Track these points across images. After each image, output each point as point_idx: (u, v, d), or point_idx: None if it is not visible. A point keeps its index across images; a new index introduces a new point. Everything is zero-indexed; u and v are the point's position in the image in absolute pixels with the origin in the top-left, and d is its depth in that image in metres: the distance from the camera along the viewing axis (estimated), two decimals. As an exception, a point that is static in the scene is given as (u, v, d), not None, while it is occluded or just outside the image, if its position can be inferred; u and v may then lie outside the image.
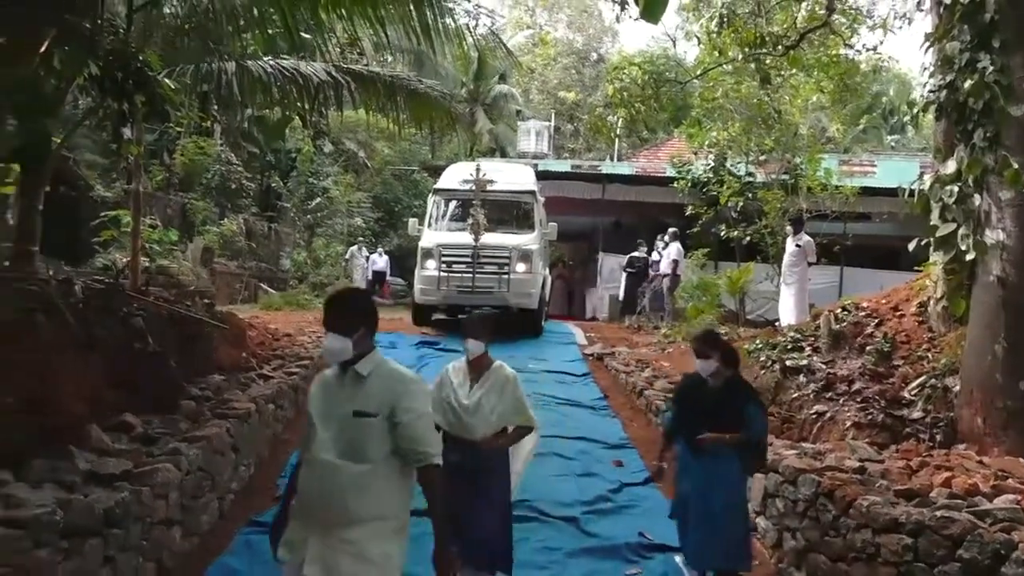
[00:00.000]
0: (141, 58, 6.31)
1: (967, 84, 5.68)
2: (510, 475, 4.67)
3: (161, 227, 14.85)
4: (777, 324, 12.07)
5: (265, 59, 9.71)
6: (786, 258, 12.58)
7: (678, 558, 5.45)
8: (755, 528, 5.56)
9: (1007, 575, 3.69)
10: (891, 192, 16.77)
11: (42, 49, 5.80)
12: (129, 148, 7.98)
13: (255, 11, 8.90)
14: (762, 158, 16.42)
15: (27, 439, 4.47)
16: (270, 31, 9.66)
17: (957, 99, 5.82)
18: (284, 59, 9.82)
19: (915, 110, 6.32)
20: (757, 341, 8.92)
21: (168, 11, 8.40)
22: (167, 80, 6.96)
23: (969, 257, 5.80)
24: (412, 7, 8.69)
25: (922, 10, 6.79)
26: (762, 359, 8.25)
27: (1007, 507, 4.18)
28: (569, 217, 18.11)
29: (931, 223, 6.29)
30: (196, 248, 16.08)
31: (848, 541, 4.46)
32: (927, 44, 6.28)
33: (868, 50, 13.70)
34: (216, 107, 15.52)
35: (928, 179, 6.25)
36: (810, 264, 12.61)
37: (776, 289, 14.23)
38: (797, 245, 12.27)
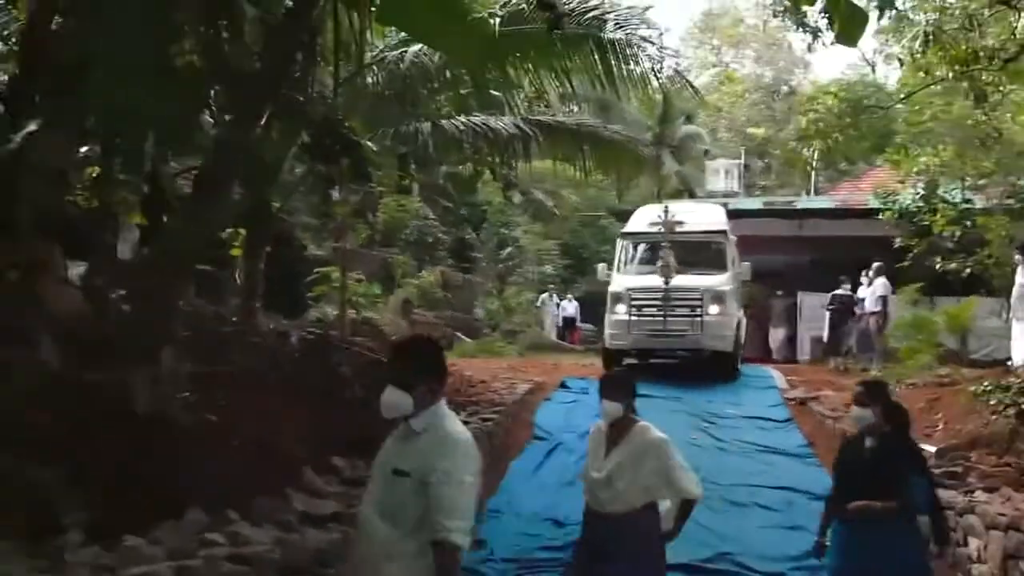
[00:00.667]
0: (347, 125, 6.82)
1: None
2: (661, 557, 4.15)
3: (365, 281, 15.90)
4: (1009, 364, 10.87)
5: (458, 118, 10.25)
6: (1016, 290, 11.35)
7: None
8: None
9: None
10: None
11: (262, 122, 6.42)
12: (336, 208, 8.60)
13: (447, 73, 9.44)
14: (981, 182, 15.05)
15: (252, 480, 4.86)
16: (461, 91, 10.22)
17: None
18: (475, 116, 10.31)
19: None
20: (986, 383, 8.07)
21: (370, 80, 9.06)
22: (369, 143, 7.47)
23: None
24: (596, 56, 8.88)
25: None
26: (992, 403, 7.45)
27: None
28: (763, 256, 17.45)
29: None
30: (397, 300, 17.03)
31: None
32: None
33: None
34: (414, 166, 16.52)
35: None
36: None
37: (1006, 325, 12.87)
38: None
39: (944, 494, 5.97)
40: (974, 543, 5.41)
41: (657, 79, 9.02)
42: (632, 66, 9.12)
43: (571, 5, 8.89)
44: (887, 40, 15.14)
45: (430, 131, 9.97)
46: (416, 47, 9.04)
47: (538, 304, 21.00)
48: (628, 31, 9.03)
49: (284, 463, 5.18)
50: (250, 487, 4.79)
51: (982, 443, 7.03)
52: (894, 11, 12.89)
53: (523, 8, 8.51)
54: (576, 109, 17.96)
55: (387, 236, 19.75)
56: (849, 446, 4.72)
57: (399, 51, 9.25)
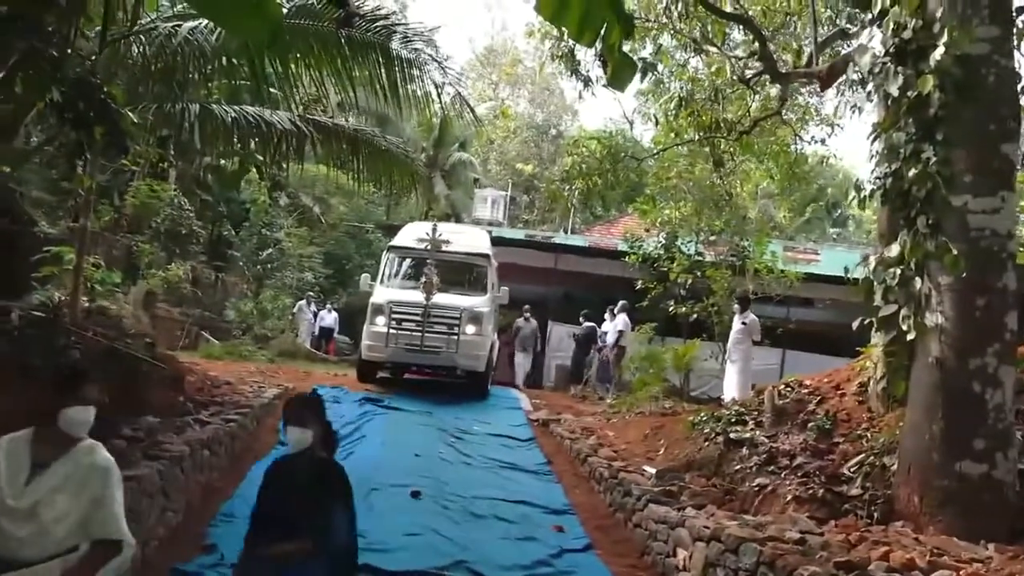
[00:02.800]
0: (106, 90, 6.24)
1: (911, 173, 5.94)
2: None
3: (104, 267, 14.53)
4: (721, 400, 12.22)
5: (230, 106, 9.73)
6: (732, 335, 12.81)
7: (616, 626, 5.38)
8: None
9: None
10: (834, 280, 17.42)
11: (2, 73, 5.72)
12: (82, 180, 7.83)
13: (223, 59, 8.96)
14: (712, 238, 16.84)
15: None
16: (236, 80, 9.75)
17: (901, 187, 6.07)
18: (248, 107, 9.85)
19: (861, 194, 6.55)
20: (702, 414, 8.99)
21: (136, 50, 8.37)
22: (130, 115, 6.89)
23: (910, 337, 5.96)
24: (382, 67, 8.88)
25: (871, 101, 7.12)
26: (706, 431, 8.30)
27: (944, 582, 4.22)
28: (521, 286, 18.27)
29: (874, 304, 6.47)
30: (139, 291, 15.74)
31: (789, 612, 4.43)
32: (874, 134, 6.56)
33: (816, 141, 14.28)
34: (173, 152, 15.42)
35: (873, 260, 6.46)
36: (755, 343, 12.87)
37: (720, 367, 14.46)
38: (743, 323, 12.53)
39: (659, 510, 6.61)
40: (681, 554, 5.97)
41: (439, 100, 9.15)
42: (415, 84, 9.25)
43: (361, 10, 8.86)
44: (646, 101, 16.48)
45: (197, 114, 9.38)
46: (191, 23, 8.53)
47: (295, 311, 20.34)
48: (415, 48, 9.13)
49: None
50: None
51: (695, 466, 7.81)
52: (653, 75, 14.25)
53: (312, 2, 8.36)
54: (353, 120, 17.85)
55: (135, 222, 18.22)
56: (278, 471, 4.22)
57: (171, 24, 8.66)
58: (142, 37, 8.40)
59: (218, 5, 5.09)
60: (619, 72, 5.05)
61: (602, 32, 4.69)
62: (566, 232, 28.08)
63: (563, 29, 5.39)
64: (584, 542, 6.91)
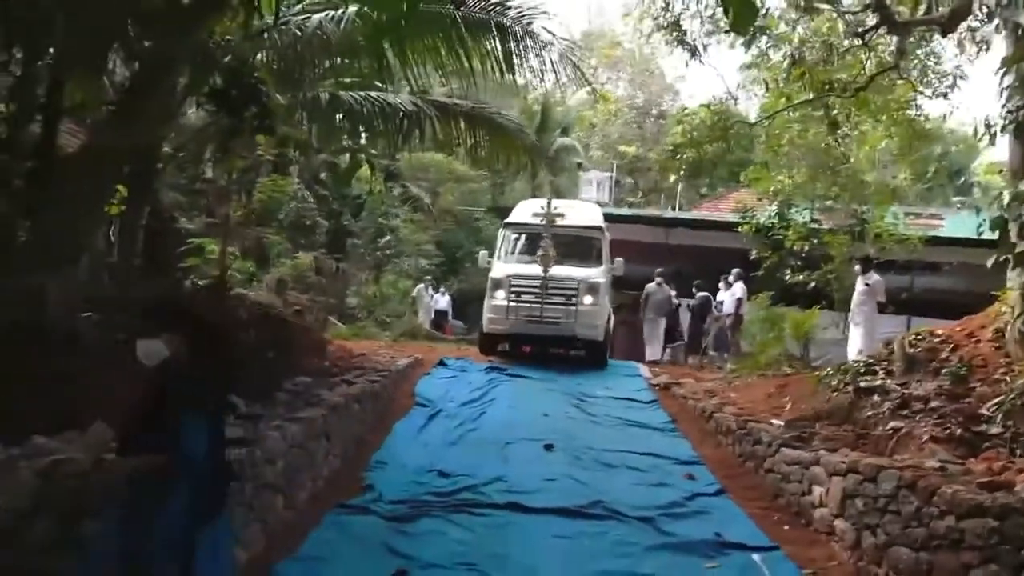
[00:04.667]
0: (256, 75, 6.83)
1: (1045, 103, 5.85)
2: None
3: (240, 257, 15.54)
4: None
5: (356, 92, 10.30)
6: (855, 297, 12.59)
7: (756, 556, 5.56)
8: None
9: (1096, 554, 3.75)
10: (961, 242, 16.82)
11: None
12: (234, 162, 8.51)
13: (349, 46, 9.50)
14: (828, 204, 16.49)
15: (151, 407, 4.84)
16: (361, 66, 10.29)
17: (1035, 118, 5.99)
18: (372, 93, 10.39)
19: (992, 130, 6.45)
20: (828, 369, 8.97)
21: (274, 41, 9.00)
22: (278, 96, 7.48)
23: (1050, 268, 5.88)
24: (497, 42, 9.21)
25: (999, 33, 6.96)
26: (834, 383, 8.30)
27: (1094, 495, 4.22)
28: (632, 264, 18.34)
29: (1009, 241, 6.38)
30: (272, 279, 16.71)
31: (931, 530, 4.52)
32: (1003, 69, 6.45)
33: (938, 95, 13.78)
34: (295, 149, 16.32)
35: (1007, 196, 6.36)
36: (880, 305, 12.58)
37: (842, 336, 14.19)
38: (867, 284, 12.30)
39: (792, 453, 6.72)
40: (817, 490, 6.09)
41: (555, 71, 9.41)
42: (531, 58, 9.53)
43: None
44: (749, 70, 16.31)
45: (328, 100, 10.00)
46: (319, 15, 9.11)
47: (414, 294, 21.12)
48: (529, 22, 9.40)
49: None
50: (152, 411, 4.78)
51: (824, 416, 7.83)
52: (758, 45, 14.13)
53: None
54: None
55: (263, 216, 19.32)
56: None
57: (301, 17, 9.26)
58: (278, 30, 9.04)
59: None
60: (741, 14, 5.23)
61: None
62: (674, 210, 27.89)
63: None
64: (716, 487, 7.09)
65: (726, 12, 4.66)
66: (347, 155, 14.75)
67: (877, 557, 5.06)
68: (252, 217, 19.10)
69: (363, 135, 12.88)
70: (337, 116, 10.71)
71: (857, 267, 13.03)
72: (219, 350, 3.81)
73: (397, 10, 6.02)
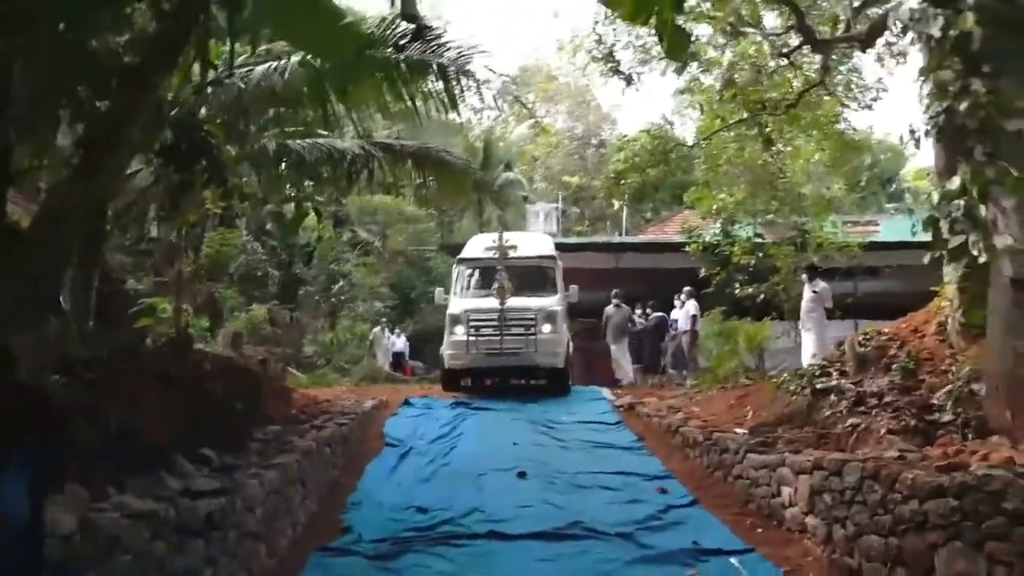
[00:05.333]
0: (205, 128, 6.89)
1: (963, 107, 6.21)
2: None
3: (193, 314, 15.38)
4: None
5: (303, 140, 10.39)
6: (804, 304, 12.99)
7: (733, 559, 5.71)
8: None
9: (1050, 521, 3.97)
10: (896, 246, 17.46)
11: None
12: (187, 217, 8.52)
13: (295, 95, 9.60)
14: (769, 218, 17.03)
15: (126, 461, 4.83)
16: (304, 113, 10.39)
17: (955, 121, 6.34)
18: (319, 139, 10.49)
19: (915, 136, 6.84)
20: (785, 375, 9.25)
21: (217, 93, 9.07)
22: (228, 148, 7.54)
23: (982, 260, 6.20)
24: (440, 81, 9.41)
25: (915, 45, 7.41)
26: (792, 388, 8.57)
27: (1044, 467, 4.48)
28: (587, 292, 18.59)
29: (942, 238, 6.71)
30: (227, 333, 16.56)
31: (897, 515, 4.72)
32: (921, 78, 6.84)
33: (863, 107, 14.44)
34: (242, 201, 16.32)
35: (936, 196, 6.72)
36: (828, 310, 12.99)
37: (794, 344, 14.60)
38: (814, 291, 12.70)
39: (758, 458, 6.92)
40: (786, 491, 6.29)
41: (497, 107, 9.64)
42: (474, 94, 9.73)
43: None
44: (683, 100, 16.91)
45: (275, 149, 10.07)
46: (261, 68, 9.21)
47: (371, 337, 21.08)
48: (466, 61, 9.62)
49: (156, 449, 5.17)
50: (125, 468, 4.77)
51: (785, 420, 8.07)
52: (689, 71, 14.68)
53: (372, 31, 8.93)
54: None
55: (213, 271, 19.18)
56: None
57: (245, 69, 9.35)
58: (222, 84, 9.11)
59: (310, 34, 5.74)
60: (675, 42, 5.50)
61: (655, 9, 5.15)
62: (621, 236, 28.40)
63: (615, 13, 5.81)
64: (688, 499, 7.25)
65: (661, 41, 4.90)
66: (292, 205, 14.73)
67: (848, 548, 5.25)
68: (202, 273, 18.97)
69: (308, 183, 12.96)
70: (281, 166, 10.78)
71: (803, 276, 13.47)
72: (39, 413, 3.59)
73: (345, 57, 6.15)
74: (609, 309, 16.40)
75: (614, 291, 16.61)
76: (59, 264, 4.93)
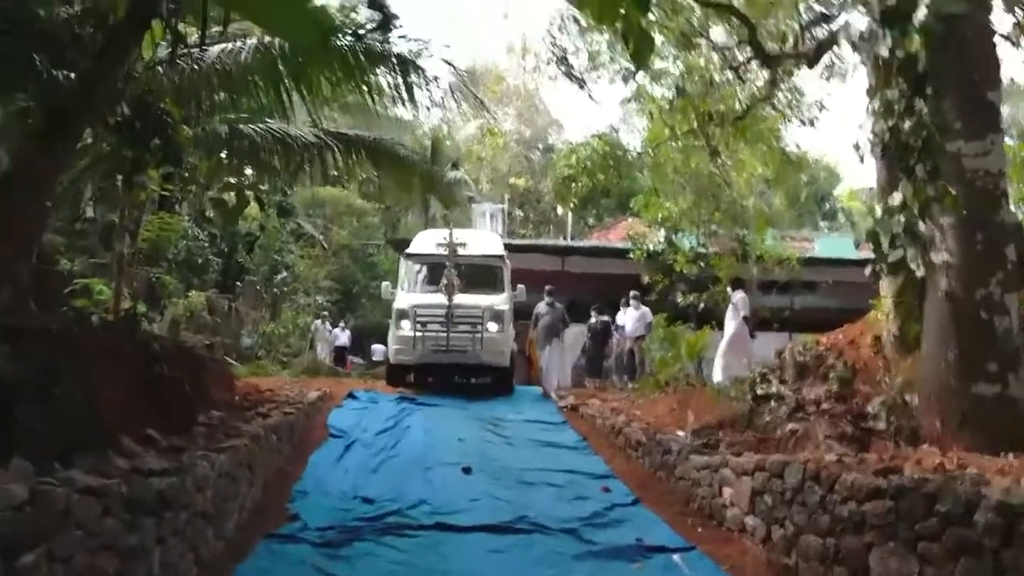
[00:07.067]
0: (161, 106, 6.77)
1: (907, 125, 6.51)
2: None
3: (130, 299, 14.98)
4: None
5: (256, 125, 10.25)
6: (727, 321, 13.34)
7: (676, 556, 5.86)
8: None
9: (979, 522, 4.19)
10: (832, 262, 18.02)
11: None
12: (139, 193, 8.33)
13: (249, 78, 9.47)
14: (713, 228, 17.42)
15: (72, 439, 4.71)
16: (260, 98, 10.24)
17: (899, 139, 6.64)
18: (272, 124, 10.35)
19: (860, 152, 7.13)
20: (724, 381, 9.50)
21: (170, 76, 8.88)
22: (185, 127, 7.40)
23: (919, 274, 6.49)
24: (398, 75, 9.39)
25: (864, 64, 7.71)
26: (732, 393, 8.81)
27: (973, 473, 4.72)
28: (530, 292, 18.71)
29: (882, 251, 7.00)
30: (165, 320, 16.19)
31: (835, 516, 4.92)
32: (869, 96, 7.14)
33: (806, 123, 14.86)
34: (185, 184, 15.95)
35: (879, 210, 7.01)
36: (745, 319, 13.24)
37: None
38: (732, 302, 13.05)
39: (700, 459, 7.11)
40: (727, 492, 6.47)
41: (454, 101, 9.66)
42: (429, 87, 9.72)
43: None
44: (630, 108, 17.16)
45: (227, 133, 9.92)
46: (217, 48, 9.06)
47: (312, 330, 20.83)
48: (422, 53, 9.60)
49: (102, 428, 5.05)
50: (71, 445, 4.66)
51: (727, 424, 8.30)
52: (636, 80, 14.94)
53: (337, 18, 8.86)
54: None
55: (151, 255, 18.68)
56: None
57: (198, 49, 9.17)
58: (174, 62, 8.92)
59: (277, 16, 5.70)
60: (640, 47, 5.62)
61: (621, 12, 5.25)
62: (565, 240, 28.66)
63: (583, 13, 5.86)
64: (631, 498, 7.40)
65: (626, 44, 5.01)
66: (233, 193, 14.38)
67: (787, 548, 5.44)
68: (140, 256, 18.48)
69: (249, 170, 12.77)
70: (224, 151, 10.61)
71: (728, 289, 13.85)
72: None
73: (310, 41, 6.12)
74: (540, 307, 14.81)
75: (548, 287, 15.25)
76: (10, 240, 4.78)
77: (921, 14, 6.31)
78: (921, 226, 6.55)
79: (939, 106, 6.33)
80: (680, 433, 8.46)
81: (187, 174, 10.90)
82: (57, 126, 4.64)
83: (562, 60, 14.79)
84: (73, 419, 4.79)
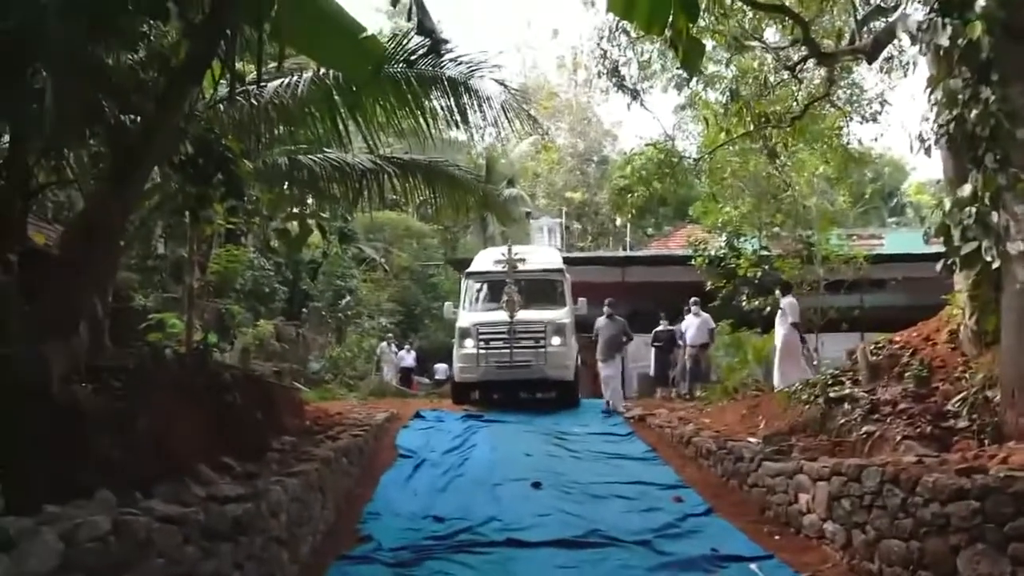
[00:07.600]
0: (223, 142, 6.98)
1: (973, 114, 6.29)
2: None
3: (201, 330, 15.44)
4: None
5: (313, 155, 10.48)
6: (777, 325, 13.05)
7: (753, 565, 5.72)
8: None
9: (1072, 521, 4.00)
10: (901, 258, 17.48)
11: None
12: (206, 227, 8.59)
13: (306, 109, 9.72)
14: (775, 230, 17.10)
15: (152, 469, 4.87)
16: (317, 130, 10.49)
17: (965, 129, 6.41)
18: (330, 154, 10.57)
19: (926, 144, 6.91)
20: (796, 385, 9.29)
21: (231, 112, 9.17)
22: (246, 161, 7.62)
23: (995, 266, 6.25)
24: (451, 98, 9.50)
25: (924, 55, 7.50)
26: (803, 398, 8.60)
27: (1064, 470, 4.51)
28: (594, 307, 18.61)
29: (954, 245, 6.76)
30: (236, 349, 16.62)
31: (918, 518, 4.75)
32: (930, 87, 6.94)
33: (867, 120, 14.54)
34: (250, 217, 16.42)
35: (948, 203, 6.78)
36: (793, 324, 12.87)
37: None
38: (780, 308, 12.76)
39: (774, 466, 6.95)
40: (803, 498, 6.31)
41: (508, 120, 9.71)
42: (483, 108, 9.82)
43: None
44: (685, 115, 17.04)
45: (287, 164, 10.17)
46: (274, 84, 9.32)
47: (378, 352, 21.13)
48: (476, 74, 9.69)
49: (180, 457, 5.21)
50: (152, 475, 4.81)
51: (799, 429, 8.13)
52: (690, 87, 14.84)
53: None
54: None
55: (220, 287, 19.25)
56: None
57: (255, 87, 9.44)
58: (234, 100, 9.21)
59: (330, 49, 5.84)
60: (689, 53, 5.58)
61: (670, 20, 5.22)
62: (625, 250, 28.51)
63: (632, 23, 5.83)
64: (705, 507, 7.27)
65: (675, 51, 4.98)
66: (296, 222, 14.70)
67: (869, 553, 5.27)
68: (209, 289, 19.06)
69: (311, 199, 13.04)
70: (285, 182, 10.86)
71: (778, 292, 13.57)
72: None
73: (364, 71, 6.24)
74: (600, 321, 14.15)
75: (608, 300, 14.49)
76: (89, 280, 4.98)
77: (982, 1, 6.12)
78: (993, 216, 6.31)
79: (1006, 93, 6.11)
80: (752, 440, 8.30)
81: (250, 207, 11.28)
82: (126, 168, 4.83)
83: (613, 72, 14.80)
84: (150, 450, 4.96)
